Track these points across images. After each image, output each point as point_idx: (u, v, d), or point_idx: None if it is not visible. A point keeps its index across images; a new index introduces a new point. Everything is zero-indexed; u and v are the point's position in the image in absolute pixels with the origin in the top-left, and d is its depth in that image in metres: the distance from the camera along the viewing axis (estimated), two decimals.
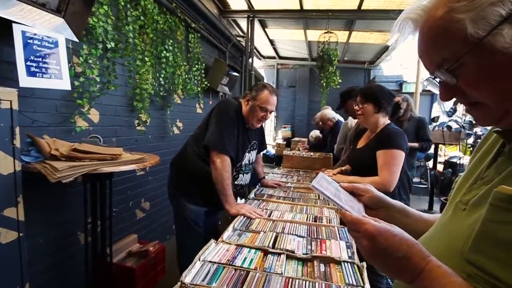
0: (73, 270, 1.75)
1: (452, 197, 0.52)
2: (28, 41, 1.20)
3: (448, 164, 4.42)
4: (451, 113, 3.95)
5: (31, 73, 1.18)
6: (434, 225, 0.55)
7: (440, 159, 4.89)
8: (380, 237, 0.44)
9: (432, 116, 4.87)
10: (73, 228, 1.74)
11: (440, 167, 4.70)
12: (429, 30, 0.41)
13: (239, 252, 0.98)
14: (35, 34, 1.23)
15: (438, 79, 0.44)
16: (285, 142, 6.55)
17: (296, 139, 5.74)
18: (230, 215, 1.36)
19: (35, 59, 1.20)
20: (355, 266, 0.91)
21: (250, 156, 1.67)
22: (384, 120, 1.53)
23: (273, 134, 8.02)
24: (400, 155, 1.41)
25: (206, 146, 1.48)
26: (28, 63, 1.17)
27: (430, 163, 4.64)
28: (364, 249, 0.46)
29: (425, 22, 0.41)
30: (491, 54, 0.36)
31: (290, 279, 0.82)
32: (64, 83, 1.34)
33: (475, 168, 0.49)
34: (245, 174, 1.68)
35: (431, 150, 3.78)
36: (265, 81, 7.57)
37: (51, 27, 1.37)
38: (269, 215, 1.37)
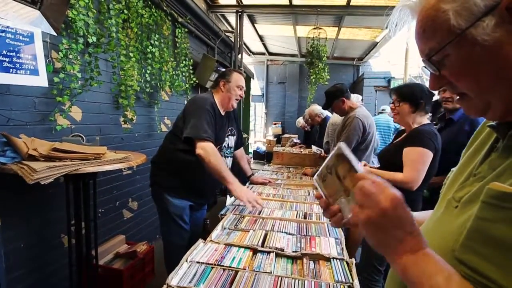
0: (56, 274, 1.68)
1: (444, 193, 0.51)
2: (0, 34, 1.12)
3: None
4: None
5: (4, 69, 1.10)
6: (426, 222, 0.54)
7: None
8: (402, 205, 0.40)
9: None
10: (56, 230, 1.68)
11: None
12: (421, 18, 0.41)
13: (228, 251, 0.96)
14: (7, 27, 1.15)
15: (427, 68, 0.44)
16: (275, 139, 6.54)
17: (287, 135, 5.74)
18: (234, 196, 1.40)
19: (8, 53, 1.12)
20: (344, 263, 0.91)
21: (229, 140, 1.74)
22: (421, 120, 1.47)
23: (264, 130, 8.00)
24: (427, 154, 1.36)
25: (186, 139, 1.49)
26: (1, 58, 1.10)
27: None
28: (376, 207, 0.40)
29: (420, 10, 0.41)
30: (472, 46, 0.37)
31: (280, 278, 0.81)
32: (40, 80, 1.26)
33: (468, 164, 0.48)
34: (226, 158, 1.71)
35: None
36: (255, 77, 7.54)
37: (26, 20, 1.29)
38: (259, 213, 1.35)
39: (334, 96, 2.18)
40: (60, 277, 1.70)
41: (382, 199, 0.40)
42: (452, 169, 0.54)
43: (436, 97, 1.56)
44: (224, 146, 1.69)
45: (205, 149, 1.43)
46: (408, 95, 1.46)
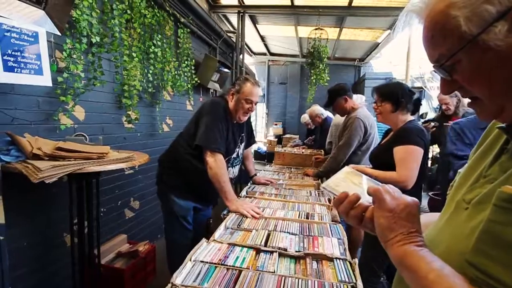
0: (59, 272, 1.69)
1: (452, 195, 0.51)
2: (5, 34, 1.13)
3: (435, 159, 4.53)
4: (439, 109, 4.02)
5: (8, 68, 1.11)
6: (434, 224, 0.53)
7: (428, 154, 4.99)
8: (419, 210, 0.48)
9: (420, 112, 4.95)
10: (59, 229, 1.69)
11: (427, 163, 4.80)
12: (429, 24, 0.41)
13: (231, 251, 0.96)
14: (13, 27, 1.16)
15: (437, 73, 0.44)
16: (276, 139, 6.56)
17: (288, 136, 5.76)
18: (231, 211, 1.36)
19: (13, 53, 1.13)
20: (347, 263, 0.91)
21: (238, 149, 1.70)
22: (404, 118, 1.49)
23: (265, 131, 8.01)
24: (417, 151, 1.37)
25: (197, 145, 1.48)
26: (5, 57, 1.10)
27: None
28: (401, 199, 0.48)
29: (426, 15, 0.41)
30: (485, 52, 0.37)
31: (283, 277, 0.82)
32: (44, 79, 1.27)
33: (477, 165, 0.48)
34: (233, 167, 1.69)
35: None
36: (256, 77, 7.54)
37: (31, 20, 1.30)
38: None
39: (337, 94, 2.19)
40: (63, 276, 1.70)
41: (408, 198, 0.48)
42: (459, 170, 0.54)
43: (417, 95, 1.56)
44: (233, 157, 1.65)
45: (216, 160, 1.43)
46: (389, 95, 1.47)
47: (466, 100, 2.55)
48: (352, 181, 0.59)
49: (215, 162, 1.43)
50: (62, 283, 1.71)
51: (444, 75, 0.42)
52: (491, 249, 0.36)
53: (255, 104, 1.59)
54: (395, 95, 1.45)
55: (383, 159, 1.49)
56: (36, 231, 1.55)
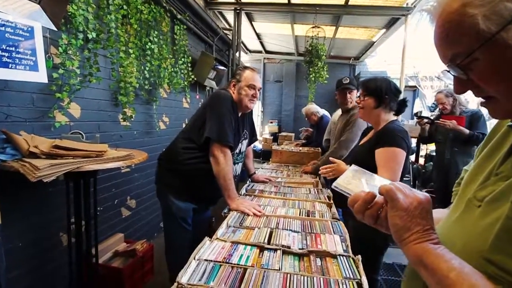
0: (56, 273, 1.66)
1: (460, 193, 0.51)
2: (0, 28, 1.09)
3: (429, 157, 4.60)
4: (433, 108, 4.09)
5: (2, 64, 1.07)
6: (442, 223, 0.54)
7: (422, 152, 5.07)
8: (431, 206, 0.46)
9: (415, 111, 5.03)
10: (55, 229, 1.65)
11: (421, 161, 4.88)
12: (442, 23, 0.40)
13: (235, 249, 0.96)
14: (7, 21, 1.12)
15: (451, 73, 0.43)
16: (272, 137, 6.56)
17: (283, 134, 5.76)
18: (231, 209, 1.35)
19: (8, 48, 1.10)
20: (351, 259, 0.92)
21: (241, 145, 1.67)
22: (387, 117, 1.42)
23: (260, 129, 8.00)
24: (401, 154, 1.30)
25: (200, 144, 1.45)
26: (0, 52, 1.07)
27: (412, 157, 4.80)
28: (414, 196, 0.46)
29: (439, 15, 0.41)
30: (503, 50, 0.36)
31: (288, 275, 0.82)
32: (40, 76, 1.23)
33: (486, 163, 0.48)
34: (236, 165, 1.67)
35: (413, 144, 3.88)
36: None
37: (25, 14, 1.26)
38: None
39: (353, 85, 2.24)
40: (60, 276, 1.67)
41: (419, 194, 0.46)
42: (465, 167, 0.54)
43: (402, 96, 1.48)
44: (236, 152, 1.62)
45: (225, 155, 1.41)
46: (373, 89, 1.40)
47: (463, 99, 2.61)
48: (361, 179, 0.59)
49: (224, 158, 1.40)
50: (59, 283, 1.68)
51: (459, 74, 0.41)
52: (510, 247, 0.36)
53: (259, 90, 1.58)
54: (379, 91, 1.39)
55: (364, 160, 1.38)
56: (31, 231, 1.51)
